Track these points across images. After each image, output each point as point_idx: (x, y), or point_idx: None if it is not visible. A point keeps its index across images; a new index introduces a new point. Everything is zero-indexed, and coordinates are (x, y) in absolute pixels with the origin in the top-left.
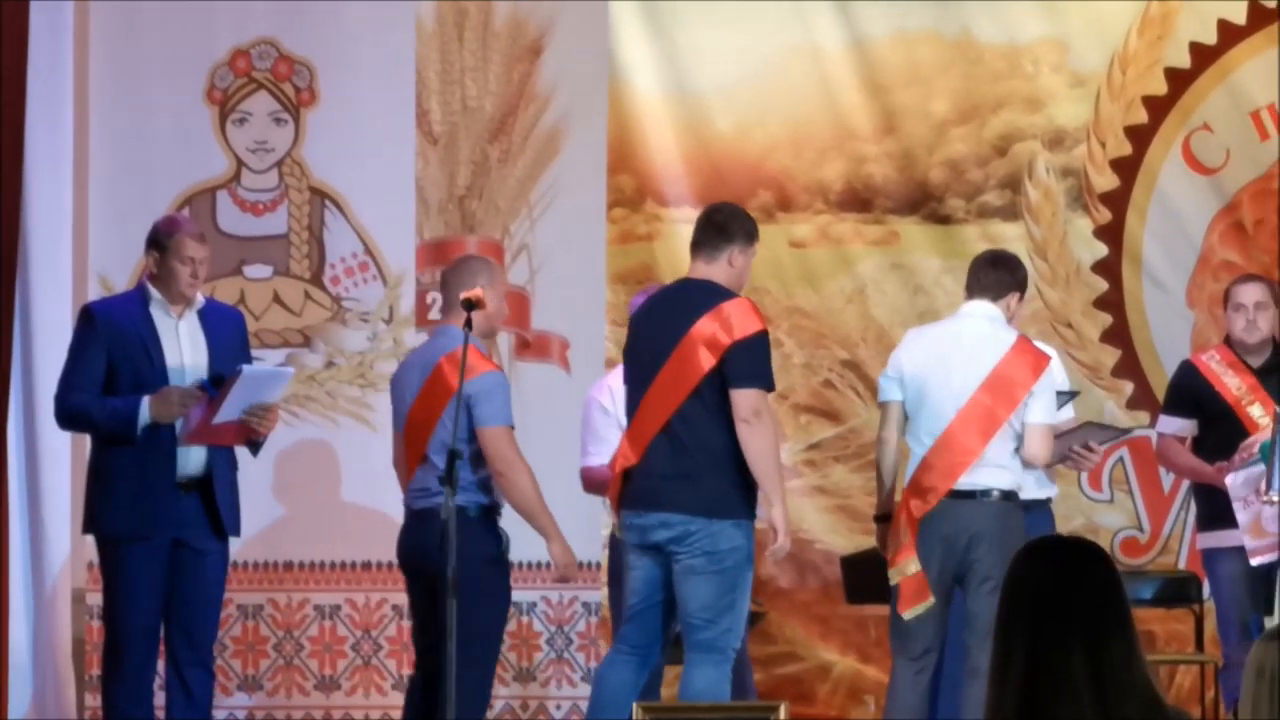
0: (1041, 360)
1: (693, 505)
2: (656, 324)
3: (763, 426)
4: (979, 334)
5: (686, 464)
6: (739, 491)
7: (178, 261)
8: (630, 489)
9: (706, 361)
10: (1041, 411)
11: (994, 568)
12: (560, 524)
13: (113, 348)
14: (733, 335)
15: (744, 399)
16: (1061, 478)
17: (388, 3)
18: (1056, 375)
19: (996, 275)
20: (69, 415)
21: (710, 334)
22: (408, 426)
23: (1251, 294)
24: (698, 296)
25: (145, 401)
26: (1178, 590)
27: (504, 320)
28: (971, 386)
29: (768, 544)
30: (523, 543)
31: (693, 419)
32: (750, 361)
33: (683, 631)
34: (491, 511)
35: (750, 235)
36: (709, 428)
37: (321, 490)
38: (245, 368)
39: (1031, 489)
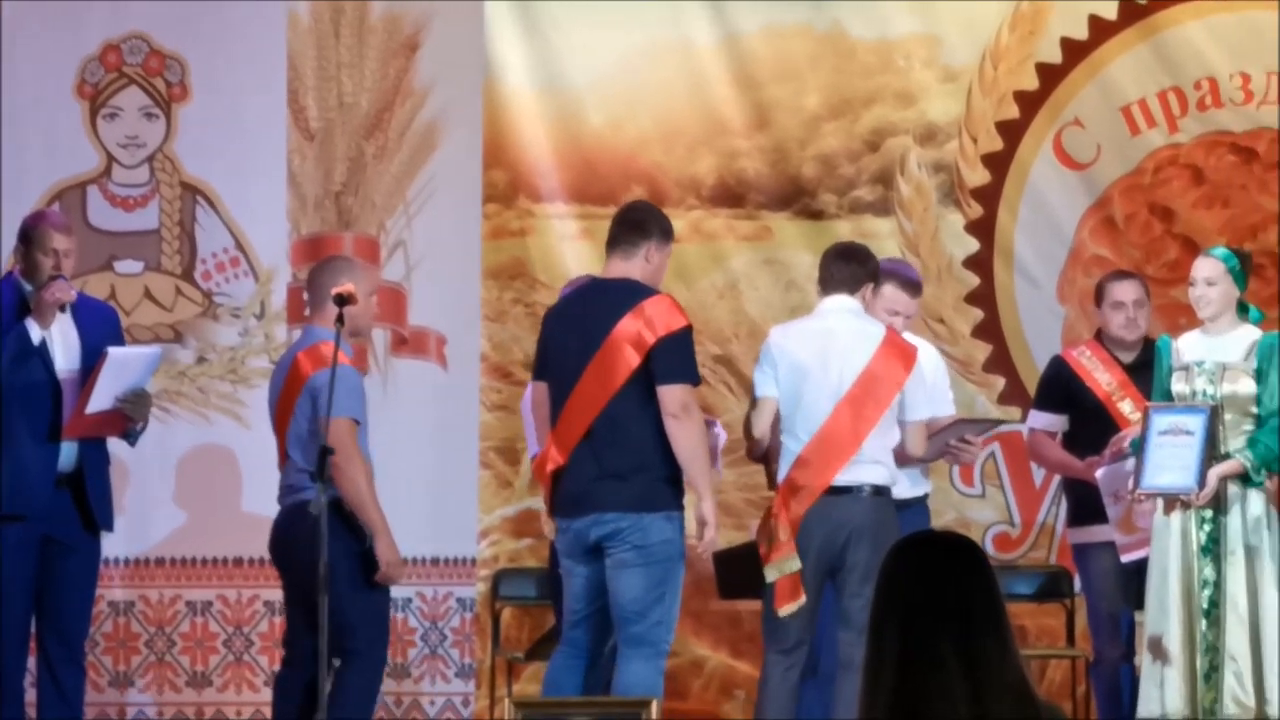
0: (910, 354)
1: (623, 502)
2: (575, 324)
3: (691, 421)
4: (850, 329)
5: (615, 463)
6: (668, 485)
7: (41, 253)
8: (561, 493)
9: (632, 360)
10: (917, 407)
11: (870, 562)
12: (433, 520)
13: None
14: (657, 332)
15: (671, 394)
16: (934, 472)
17: None
18: (926, 364)
19: (851, 269)
20: None
21: (634, 333)
22: (275, 426)
23: (1130, 291)
24: (617, 295)
25: (27, 321)
26: (1049, 585)
27: (373, 318)
28: (848, 382)
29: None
30: (397, 537)
31: (619, 418)
32: (676, 357)
33: (616, 625)
34: None
35: (666, 232)
36: (635, 425)
37: (193, 486)
38: (111, 349)
39: (906, 487)
